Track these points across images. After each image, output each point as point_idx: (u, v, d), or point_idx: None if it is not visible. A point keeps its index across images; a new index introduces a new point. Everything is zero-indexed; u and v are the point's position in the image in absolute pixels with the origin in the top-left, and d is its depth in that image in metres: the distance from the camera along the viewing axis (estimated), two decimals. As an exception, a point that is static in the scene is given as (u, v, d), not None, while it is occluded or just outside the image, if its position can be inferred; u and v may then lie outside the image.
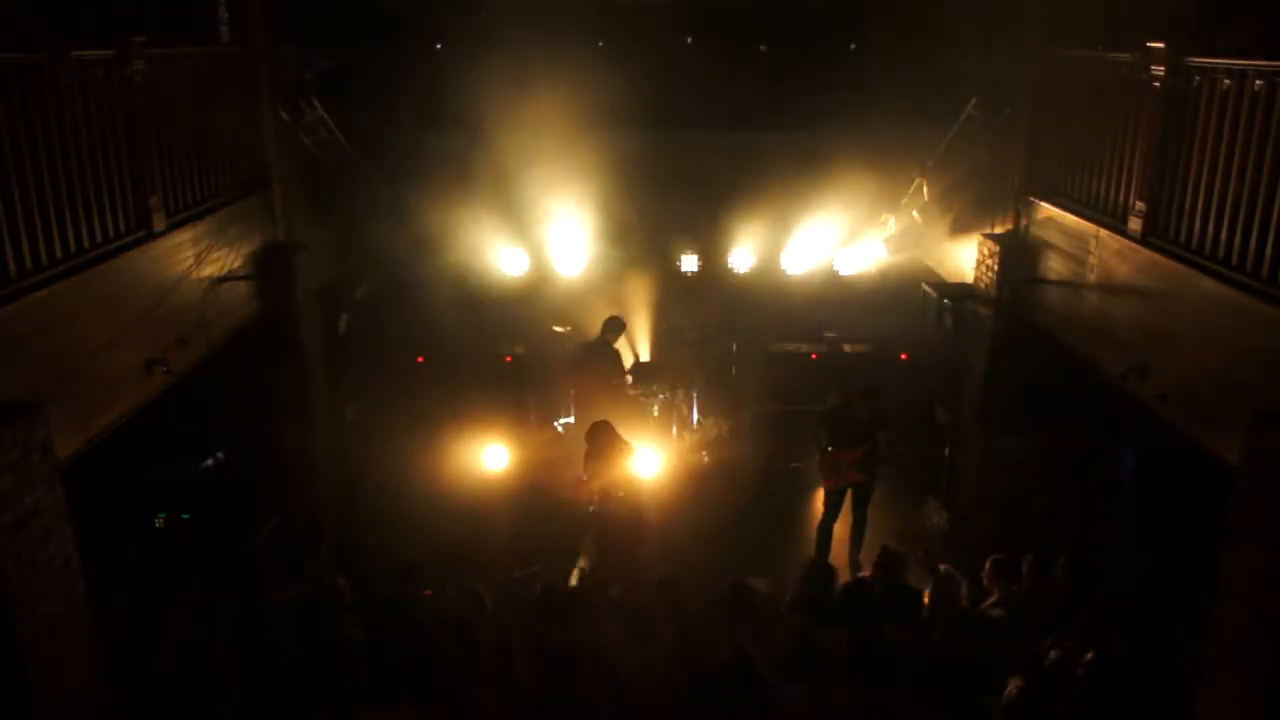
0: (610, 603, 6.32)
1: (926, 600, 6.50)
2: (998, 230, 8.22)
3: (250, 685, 5.43)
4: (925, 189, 9.68)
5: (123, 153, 5.73)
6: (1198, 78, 5.55)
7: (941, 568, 6.53)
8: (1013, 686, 5.30)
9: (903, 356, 10.66)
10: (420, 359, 10.82)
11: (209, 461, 8.40)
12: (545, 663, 5.45)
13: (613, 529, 7.68)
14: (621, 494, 7.66)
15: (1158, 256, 5.84)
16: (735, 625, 5.81)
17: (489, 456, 9.79)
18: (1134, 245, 6.11)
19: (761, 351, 10.82)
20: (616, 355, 9.86)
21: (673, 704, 5.17)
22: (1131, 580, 6.53)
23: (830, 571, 6.67)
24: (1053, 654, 5.55)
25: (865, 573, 7.33)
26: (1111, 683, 5.16)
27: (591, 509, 7.80)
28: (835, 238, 10.61)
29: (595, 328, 10.16)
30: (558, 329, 10.68)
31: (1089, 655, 5.30)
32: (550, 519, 8.66)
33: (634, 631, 5.75)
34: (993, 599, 6.48)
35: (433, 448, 9.52)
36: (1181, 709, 4.93)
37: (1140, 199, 6.08)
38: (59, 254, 5.06)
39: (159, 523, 7.88)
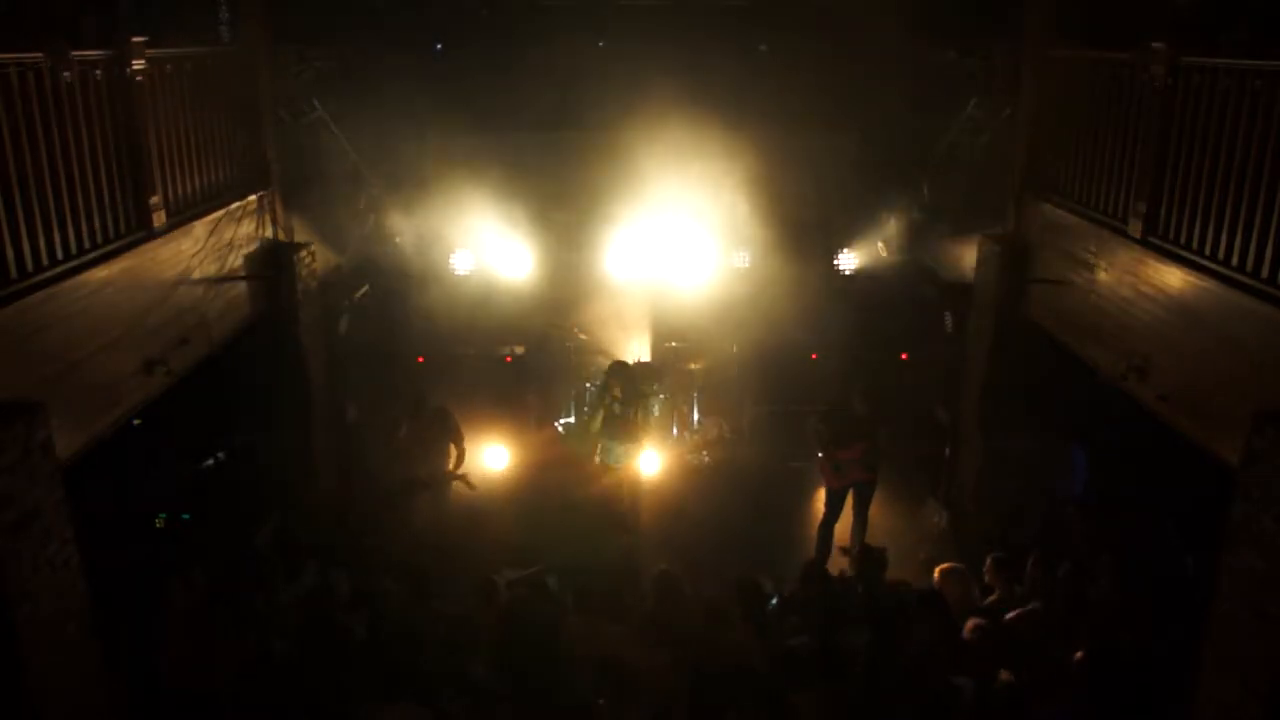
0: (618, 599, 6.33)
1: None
2: (998, 230, 8.22)
3: (250, 685, 5.43)
4: (925, 189, 9.69)
5: (123, 153, 5.73)
6: (1198, 77, 5.55)
7: (946, 567, 6.54)
8: (971, 624, 5.34)
9: (903, 356, 10.66)
10: (420, 359, 10.83)
11: (209, 461, 8.40)
12: (546, 661, 5.45)
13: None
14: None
15: (1158, 256, 5.84)
16: (740, 622, 5.83)
17: (489, 456, 9.80)
18: (1134, 245, 6.12)
19: (760, 351, 10.82)
20: None
21: (675, 701, 5.18)
22: (1132, 579, 6.52)
23: (821, 574, 6.70)
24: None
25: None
26: (1111, 682, 5.16)
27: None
28: (836, 238, 10.60)
29: (595, 327, 10.18)
30: (559, 327, 10.69)
31: (1079, 654, 5.30)
32: (549, 520, 8.67)
33: (637, 627, 5.76)
34: (994, 596, 6.50)
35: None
36: (1181, 709, 4.93)
37: (1140, 199, 6.08)
38: (59, 254, 5.05)
39: (159, 523, 7.88)
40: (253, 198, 7.58)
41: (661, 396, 10.26)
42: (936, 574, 6.58)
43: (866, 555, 6.84)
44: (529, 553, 7.55)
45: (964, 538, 8.41)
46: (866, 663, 5.41)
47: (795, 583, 6.76)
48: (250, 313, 7.47)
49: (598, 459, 8.87)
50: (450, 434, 8.98)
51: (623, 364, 8.87)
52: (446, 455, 8.96)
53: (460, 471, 8.99)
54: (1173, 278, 5.66)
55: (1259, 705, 4.30)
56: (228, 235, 7.06)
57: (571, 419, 10.69)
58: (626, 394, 8.53)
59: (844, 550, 8.41)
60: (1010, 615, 6.12)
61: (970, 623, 5.66)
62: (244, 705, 5.35)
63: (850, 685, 5.28)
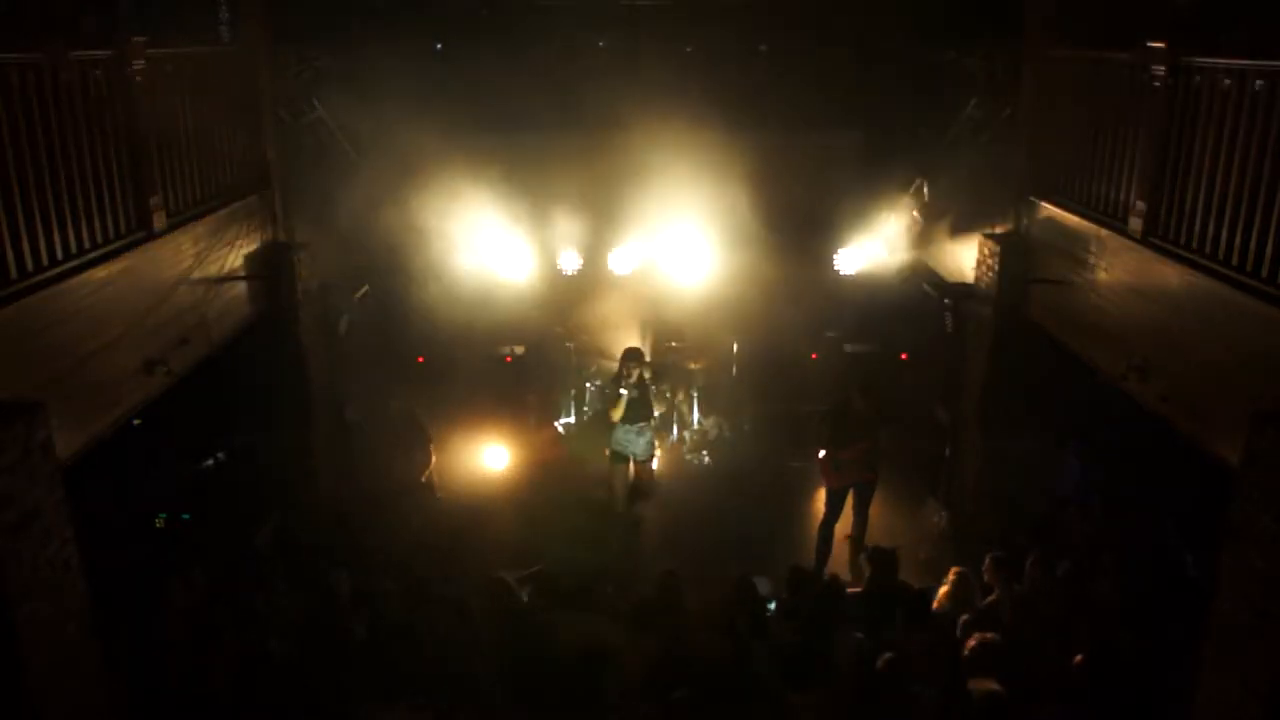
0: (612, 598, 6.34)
1: (938, 602, 6.54)
2: (998, 230, 8.22)
3: (250, 685, 5.43)
4: (925, 189, 9.68)
5: (123, 153, 5.73)
6: (1198, 77, 5.55)
7: (956, 570, 6.56)
8: (975, 639, 5.34)
9: (903, 356, 10.66)
10: (420, 359, 10.83)
11: (209, 461, 8.40)
12: (545, 659, 5.45)
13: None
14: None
15: (1158, 256, 5.84)
16: (736, 621, 5.83)
17: (489, 456, 9.80)
18: (1134, 245, 6.11)
19: (760, 351, 10.83)
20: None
21: (673, 700, 5.18)
22: (1132, 579, 6.53)
23: (804, 577, 6.72)
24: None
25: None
26: (1111, 683, 5.16)
27: None
28: (836, 238, 10.61)
29: (595, 327, 10.17)
30: (559, 330, 10.70)
31: (1079, 658, 5.30)
32: (550, 519, 8.67)
33: (637, 627, 5.76)
34: (994, 596, 6.50)
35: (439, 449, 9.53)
36: (1181, 709, 4.93)
37: (1141, 199, 6.08)
38: (59, 254, 5.06)
39: (159, 523, 7.88)
40: (253, 198, 7.58)
41: (667, 395, 10.29)
42: (952, 574, 6.61)
43: (877, 557, 6.83)
44: (529, 553, 7.56)
45: (964, 538, 8.41)
46: (861, 665, 5.41)
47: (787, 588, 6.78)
48: (250, 313, 7.47)
49: (608, 451, 8.81)
50: (419, 437, 8.98)
51: (638, 349, 8.84)
52: (419, 459, 8.97)
53: (425, 477, 8.98)
54: (1173, 277, 5.65)
55: (1259, 705, 4.30)
56: (228, 235, 7.06)
57: (571, 419, 10.68)
58: (643, 377, 8.48)
59: (849, 538, 8.40)
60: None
61: (974, 638, 5.64)
62: (244, 705, 5.35)
63: (841, 687, 5.29)
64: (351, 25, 9.47)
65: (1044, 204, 7.57)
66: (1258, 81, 4.98)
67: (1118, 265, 6.34)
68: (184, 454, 8.25)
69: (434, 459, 9.13)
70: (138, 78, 5.79)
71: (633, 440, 8.66)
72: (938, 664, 5.42)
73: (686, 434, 10.61)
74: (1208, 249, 5.42)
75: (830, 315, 10.84)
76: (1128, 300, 6.21)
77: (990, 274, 8.04)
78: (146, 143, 5.93)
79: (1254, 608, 4.33)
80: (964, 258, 8.80)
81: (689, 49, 10.39)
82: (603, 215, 10.35)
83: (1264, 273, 4.90)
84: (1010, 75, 8.12)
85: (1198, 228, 5.52)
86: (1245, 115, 5.08)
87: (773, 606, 6.65)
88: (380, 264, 10.03)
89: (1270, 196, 4.86)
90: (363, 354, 9.61)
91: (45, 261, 4.94)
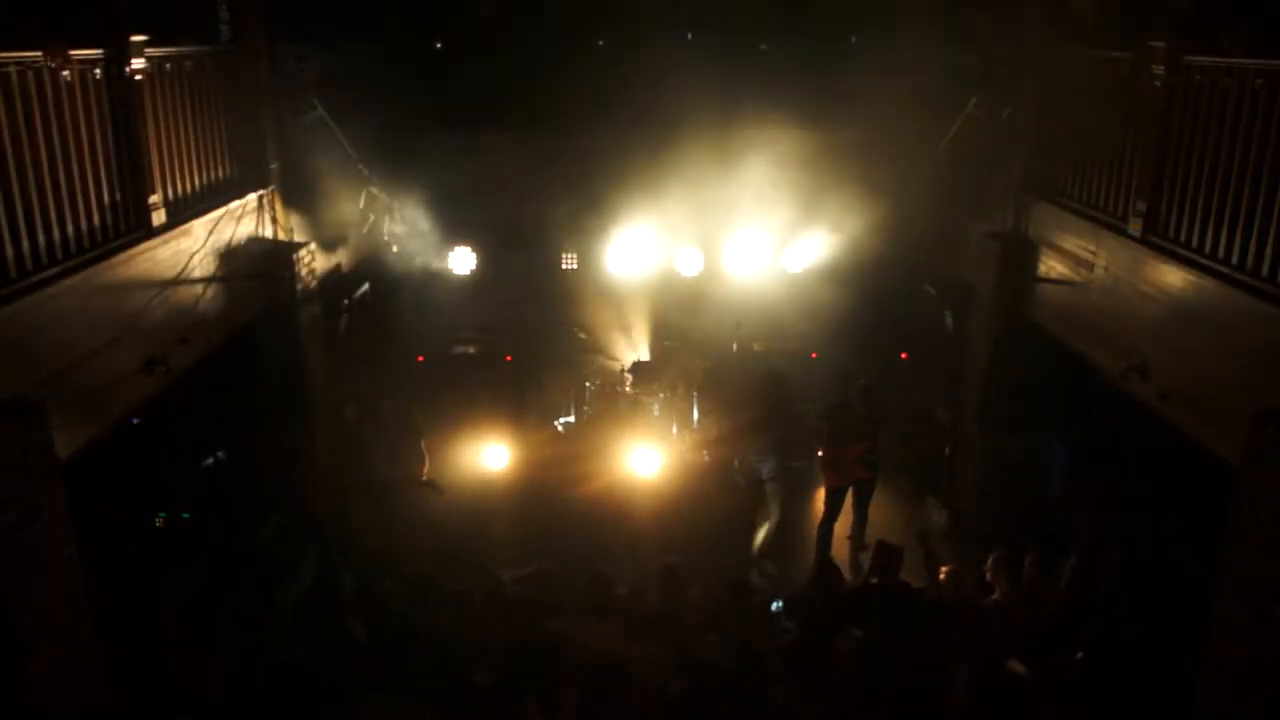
0: (618, 600, 6.32)
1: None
2: (997, 229, 8.22)
3: (250, 685, 5.43)
4: (925, 189, 9.67)
5: (123, 152, 5.73)
6: (1198, 77, 5.56)
7: (947, 569, 6.55)
8: (964, 673, 5.34)
9: (903, 356, 10.66)
10: (420, 359, 10.83)
11: (209, 461, 8.39)
12: (548, 660, 5.44)
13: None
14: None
15: (1158, 256, 5.84)
16: (738, 622, 5.83)
17: (489, 456, 9.80)
18: (1134, 245, 6.12)
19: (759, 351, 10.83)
20: None
21: (674, 701, 5.17)
22: (1133, 578, 6.53)
23: (836, 572, 6.69)
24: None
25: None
26: (1111, 682, 5.16)
27: None
28: (836, 238, 10.59)
29: (597, 326, 10.18)
30: (581, 334, 10.72)
31: (1080, 654, 5.30)
32: (550, 519, 8.68)
33: (639, 629, 5.75)
34: (995, 596, 6.50)
35: (433, 446, 9.52)
36: (1181, 709, 4.93)
37: (1140, 198, 6.09)
38: (59, 254, 5.06)
39: (159, 523, 7.88)
40: (253, 197, 7.57)
41: (662, 396, 10.29)
42: (943, 573, 6.60)
43: (883, 551, 6.82)
44: (529, 553, 7.56)
45: (964, 537, 8.41)
46: (863, 663, 5.40)
47: (803, 581, 6.77)
48: (250, 313, 7.46)
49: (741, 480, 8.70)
50: (411, 434, 8.95)
51: (781, 374, 8.75)
52: (414, 455, 8.95)
53: (425, 475, 8.95)
54: (1173, 277, 5.66)
55: (1259, 705, 4.30)
56: (227, 235, 7.06)
57: (571, 419, 10.68)
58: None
59: (849, 537, 8.38)
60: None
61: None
62: (244, 705, 5.35)
63: (839, 685, 5.28)
64: (351, 24, 9.47)
65: (1044, 203, 7.57)
66: (1258, 81, 4.98)
67: (1118, 265, 6.35)
68: (184, 454, 8.25)
69: (427, 458, 9.10)
70: (137, 77, 5.79)
71: (769, 460, 8.53)
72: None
73: (686, 433, 10.59)
74: (1208, 249, 5.42)
75: (830, 315, 10.83)
76: (1128, 300, 6.21)
77: (990, 273, 8.04)
78: (146, 142, 5.93)
79: (1254, 608, 4.33)
80: (964, 257, 8.80)
81: (689, 49, 10.38)
82: (602, 214, 10.35)
83: (1264, 271, 4.91)
84: (1010, 75, 8.12)
85: (1198, 228, 5.53)
86: (1245, 115, 5.09)
87: (778, 602, 6.64)
88: (380, 263, 10.03)
89: (1270, 196, 4.87)
90: (362, 354, 9.61)
91: (45, 261, 4.94)
